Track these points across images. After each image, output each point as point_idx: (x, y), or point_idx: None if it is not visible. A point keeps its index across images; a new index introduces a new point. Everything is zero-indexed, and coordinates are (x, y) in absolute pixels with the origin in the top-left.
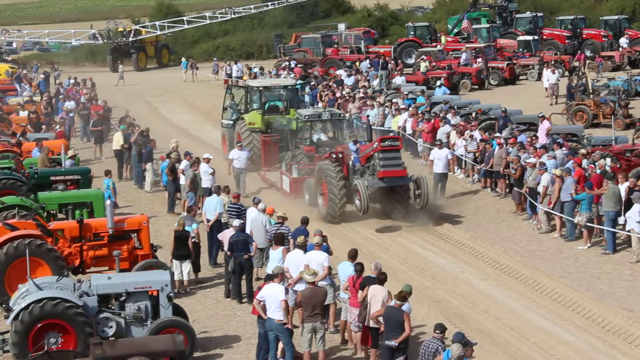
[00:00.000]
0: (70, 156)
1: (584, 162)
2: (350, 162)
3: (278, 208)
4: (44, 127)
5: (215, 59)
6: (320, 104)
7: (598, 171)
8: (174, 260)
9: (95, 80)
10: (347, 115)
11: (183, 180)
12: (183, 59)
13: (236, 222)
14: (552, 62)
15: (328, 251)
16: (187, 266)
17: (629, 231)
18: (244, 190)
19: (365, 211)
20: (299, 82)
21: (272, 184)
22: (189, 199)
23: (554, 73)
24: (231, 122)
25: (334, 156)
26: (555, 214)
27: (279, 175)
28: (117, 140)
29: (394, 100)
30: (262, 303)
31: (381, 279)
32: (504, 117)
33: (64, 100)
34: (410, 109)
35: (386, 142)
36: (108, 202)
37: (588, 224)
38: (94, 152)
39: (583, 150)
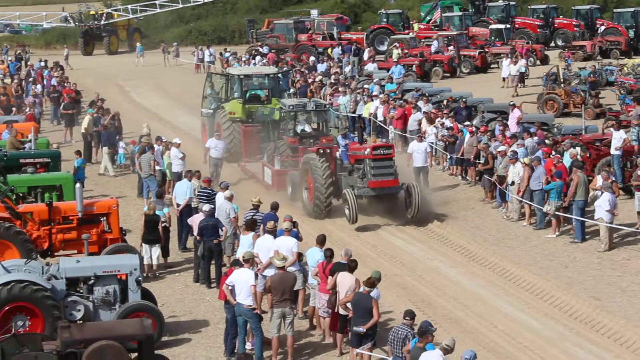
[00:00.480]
0: (29, 140)
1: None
2: (338, 155)
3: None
4: (14, 109)
5: (175, 43)
6: (291, 90)
7: (564, 161)
8: (143, 245)
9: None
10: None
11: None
12: (138, 44)
13: (206, 207)
14: (514, 53)
15: (297, 237)
16: (156, 250)
17: (597, 220)
18: (218, 181)
19: (355, 221)
20: (282, 70)
21: (252, 175)
22: (149, 182)
23: (515, 64)
24: (211, 111)
25: (322, 151)
26: (526, 203)
27: (260, 166)
28: (84, 123)
29: (365, 86)
30: (229, 288)
31: (352, 266)
32: (465, 107)
33: (34, 83)
34: (381, 95)
35: (378, 151)
36: (77, 185)
37: (557, 212)
38: (64, 135)
39: (548, 141)
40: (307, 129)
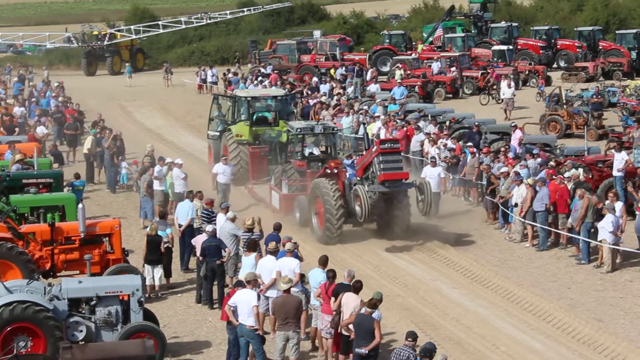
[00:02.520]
0: (17, 160)
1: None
2: (346, 179)
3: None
4: (17, 129)
5: (166, 63)
6: (294, 111)
7: (566, 183)
8: (145, 265)
9: (69, 83)
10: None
11: (157, 185)
12: (127, 65)
13: (209, 228)
14: (510, 75)
15: (297, 257)
16: (158, 271)
17: (601, 241)
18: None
19: (366, 218)
20: (289, 92)
21: (260, 199)
22: (144, 203)
23: (509, 87)
24: (217, 133)
25: (329, 171)
26: (529, 224)
27: (267, 189)
28: (87, 144)
29: (365, 107)
30: (232, 309)
31: (357, 287)
32: (478, 132)
33: (37, 103)
34: (383, 116)
35: (386, 145)
36: (80, 205)
37: (565, 232)
38: (66, 156)
39: (552, 163)
40: (315, 152)
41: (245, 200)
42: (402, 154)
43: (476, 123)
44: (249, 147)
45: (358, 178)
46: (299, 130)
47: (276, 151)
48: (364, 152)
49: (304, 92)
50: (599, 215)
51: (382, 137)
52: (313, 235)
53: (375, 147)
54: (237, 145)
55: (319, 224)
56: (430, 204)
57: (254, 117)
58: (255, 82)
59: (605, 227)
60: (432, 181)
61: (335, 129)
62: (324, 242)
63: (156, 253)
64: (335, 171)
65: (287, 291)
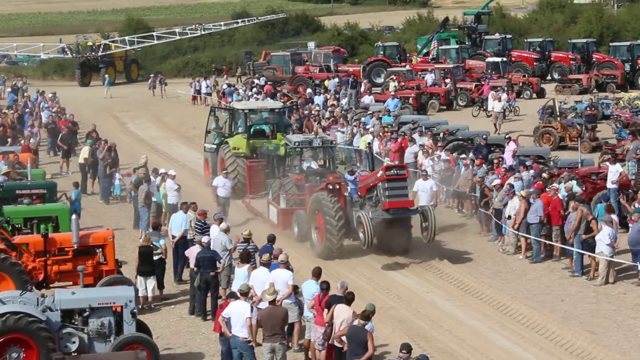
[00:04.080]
0: (4, 172)
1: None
2: (347, 194)
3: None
4: (9, 139)
5: (152, 74)
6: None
7: (561, 195)
8: (138, 276)
9: (64, 94)
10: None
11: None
12: (106, 76)
13: (204, 239)
14: (502, 88)
15: (288, 269)
16: (151, 282)
17: (598, 254)
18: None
19: (370, 245)
20: (287, 105)
21: (258, 213)
22: (142, 214)
23: (499, 101)
24: (214, 146)
25: (330, 187)
26: (522, 236)
27: (265, 204)
28: (83, 154)
29: (362, 119)
30: (225, 320)
31: (349, 298)
32: (486, 145)
33: (31, 114)
34: (376, 127)
35: (392, 171)
36: (74, 216)
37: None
38: (60, 166)
39: (545, 175)
40: (314, 165)
41: (242, 214)
42: (407, 180)
43: (484, 136)
44: (247, 160)
45: (360, 195)
46: (297, 143)
47: (274, 165)
48: (366, 169)
49: (298, 104)
50: (587, 228)
51: (376, 149)
52: (312, 250)
53: (380, 172)
54: (234, 158)
55: (319, 239)
56: (434, 231)
57: (252, 129)
58: (250, 93)
59: (602, 239)
60: (424, 194)
61: (334, 142)
62: (324, 257)
63: (148, 264)
64: (338, 187)
65: (273, 302)
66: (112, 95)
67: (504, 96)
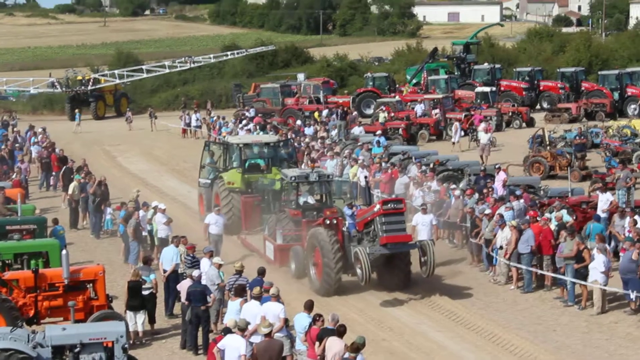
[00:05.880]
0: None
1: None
2: (345, 228)
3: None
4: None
5: (128, 108)
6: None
7: (551, 225)
8: (127, 311)
9: (53, 128)
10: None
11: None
12: (77, 111)
13: (195, 273)
14: (487, 119)
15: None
16: (141, 317)
17: (592, 282)
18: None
19: (367, 281)
20: (282, 139)
21: (254, 249)
22: (132, 248)
23: (486, 132)
24: (209, 181)
25: (328, 222)
26: (514, 266)
27: (261, 239)
28: (70, 189)
29: (347, 151)
30: (220, 352)
31: (341, 331)
32: (484, 176)
33: (21, 149)
34: (361, 159)
35: (389, 205)
36: (64, 252)
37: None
38: (63, 200)
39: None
40: (310, 200)
41: (237, 251)
42: (405, 214)
43: (482, 168)
44: (242, 195)
45: (357, 230)
46: (293, 178)
47: (270, 200)
48: (363, 203)
49: (289, 136)
50: (580, 258)
51: (362, 181)
52: (310, 286)
53: (377, 206)
54: (229, 193)
55: (317, 275)
56: (434, 266)
57: (246, 164)
58: (240, 125)
59: (596, 267)
60: (423, 228)
61: (330, 176)
62: (322, 293)
63: (137, 299)
64: (335, 222)
65: (269, 335)
66: (82, 130)
67: (482, 126)
